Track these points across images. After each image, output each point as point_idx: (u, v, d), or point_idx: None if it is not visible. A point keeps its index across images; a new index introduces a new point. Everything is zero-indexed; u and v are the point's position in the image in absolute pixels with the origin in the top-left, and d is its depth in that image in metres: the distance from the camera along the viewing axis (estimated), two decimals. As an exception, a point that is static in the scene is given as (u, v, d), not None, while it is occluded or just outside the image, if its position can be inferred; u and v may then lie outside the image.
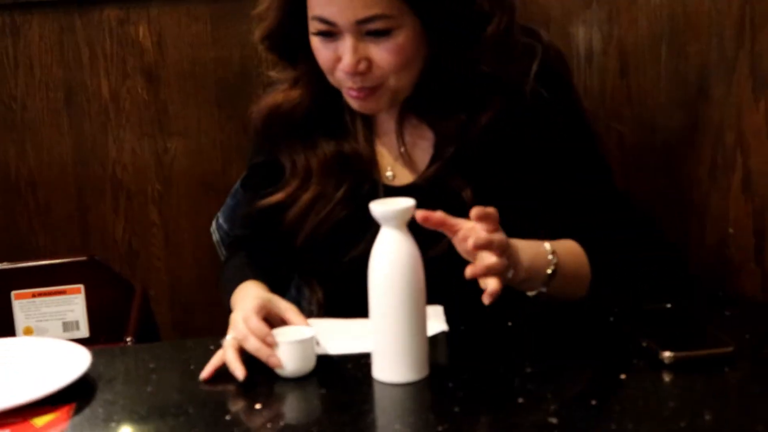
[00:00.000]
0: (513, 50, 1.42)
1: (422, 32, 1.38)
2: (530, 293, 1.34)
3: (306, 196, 1.51)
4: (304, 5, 1.39)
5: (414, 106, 1.47)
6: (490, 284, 1.15)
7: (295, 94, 1.51)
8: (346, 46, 1.35)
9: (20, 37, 2.51)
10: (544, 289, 1.33)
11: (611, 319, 1.31)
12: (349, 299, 1.37)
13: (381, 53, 1.35)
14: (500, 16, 1.40)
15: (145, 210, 2.60)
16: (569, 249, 1.39)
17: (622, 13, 1.82)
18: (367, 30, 1.34)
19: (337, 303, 1.55)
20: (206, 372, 1.24)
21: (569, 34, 2.09)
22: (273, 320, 1.30)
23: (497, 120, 1.43)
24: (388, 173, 1.52)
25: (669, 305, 1.34)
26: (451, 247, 1.36)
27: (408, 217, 1.16)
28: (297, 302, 1.79)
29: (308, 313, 1.64)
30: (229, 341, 1.26)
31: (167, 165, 2.58)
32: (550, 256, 1.32)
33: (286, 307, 1.33)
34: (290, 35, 1.45)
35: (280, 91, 1.54)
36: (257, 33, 1.49)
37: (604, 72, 1.93)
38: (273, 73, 1.58)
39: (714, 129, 1.53)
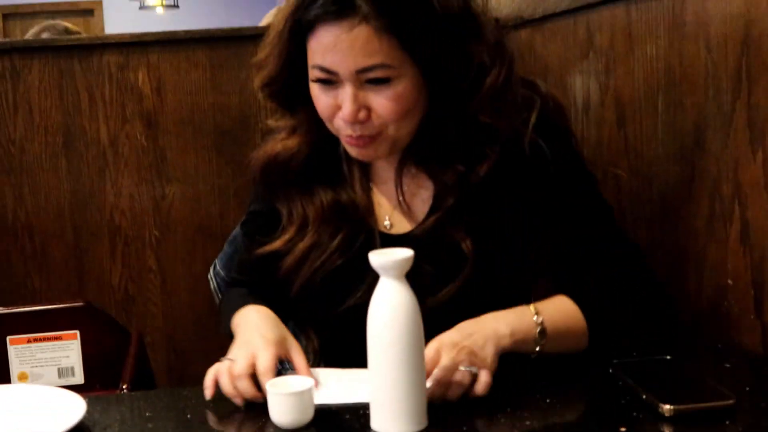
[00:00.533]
0: (512, 102, 1.43)
1: (422, 82, 1.38)
2: (531, 356, 1.35)
3: (302, 245, 1.51)
4: (303, 54, 1.40)
5: (413, 155, 1.47)
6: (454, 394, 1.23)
7: (292, 142, 1.52)
8: (346, 94, 1.35)
9: (20, 81, 2.53)
10: (537, 349, 1.34)
11: (611, 371, 1.30)
12: (345, 348, 1.38)
13: (381, 102, 1.35)
14: (499, 68, 1.40)
15: (143, 255, 2.60)
16: (557, 306, 1.40)
17: (618, 65, 1.84)
18: (368, 78, 1.34)
19: (333, 351, 1.55)
20: (209, 391, 1.31)
21: (566, 84, 2.11)
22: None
23: (496, 171, 1.44)
24: (386, 222, 1.52)
25: (668, 357, 1.34)
26: (450, 298, 1.36)
27: (407, 267, 1.16)
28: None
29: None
30: (225, 367, 1.32)
31: (165, 211, 2.59)
32: (534, 317, 1.34)
33: (295, 350, 1.37)
34: (289, 83, 1.45)
35: (278, 140, 1.54)
36: (257, 81, 1.49)
37: (601, 122, 1.94)
38: (271, 122, 1.58)
39: (711, 180, 1.54)
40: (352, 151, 1.45)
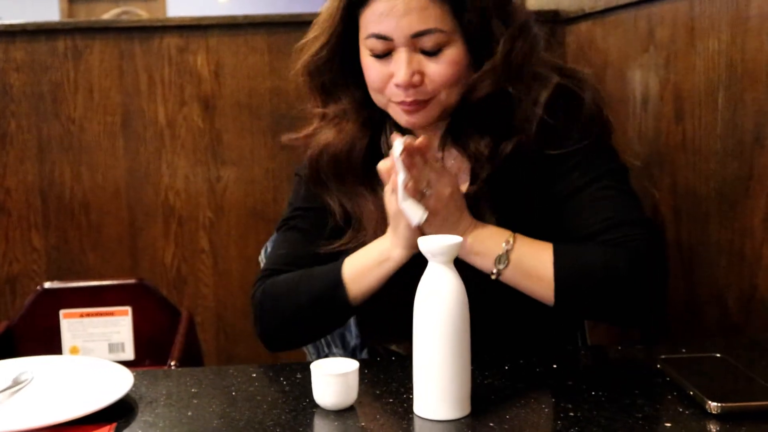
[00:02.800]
0: (528, 79, 1.44)
1: (469, 53, 1.42)
2: (490, 273, 1.36)
3: (367, 241, 1.49)
4: (352, 34, 1.44)
5: (452, 132, 1.49)
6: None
7: (346, 128, 1.52)
8: (400, 59, 1.39)
9: (81, 61, 2.56)
10: (494, 272, 1.36)
11: (658, 365, 1.29)
12: (393, 327, 1.41)
13: (434, 67, 1.39)
14: (521, 46, 1.43)
15: (196, 236, 2.63)
16: (535, 247, 1.38)
17: (679, 59, 1.81)
18: (422, 43, 1.38)
19: (381, 330, 1.58)
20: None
21: (626, 77, 2.09)
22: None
23: (518, 152, 1.44)
24: None
25: (718, 354, 1.32)
26: (496, 285, 1.36)
27: (455, 253, 1.15)
28: (340, 335, 1.82)
29: (353, 341, 1.66)
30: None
31: (219, 193, 2.61)
32: (505, 243, 1.36)
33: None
34: (333, 66, 1.48)
35: (322, 126, 1.55)
36: (299, 64, 1.52)
37: (659, 117, 1.91)
38: (315, 109, 1.57)
39: (769, 178, 1.52)
40: (402, 118, 1.46)
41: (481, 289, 1.37)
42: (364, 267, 1.43)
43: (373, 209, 1.51)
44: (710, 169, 1.71)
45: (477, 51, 1.42)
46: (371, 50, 1.42)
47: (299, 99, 2.56)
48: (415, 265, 1.44)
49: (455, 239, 1.16)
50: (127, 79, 2.59)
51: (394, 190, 1.31)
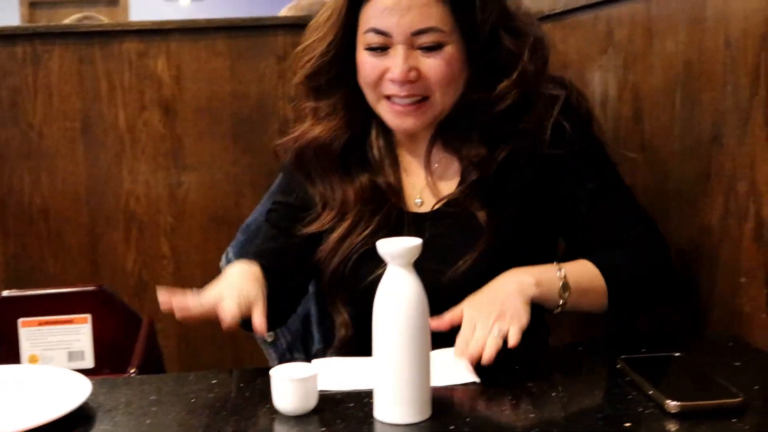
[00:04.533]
0: (537, 95, 1.49)
1: (465, 56, 1.45)
2: (554, 310, 1.43)
3: (344, 225, 1.55)
4: (353, 29, 1.47)
5: (442, 136, 1.53)
6: (487, 353, 1.27)
7: (333, 124, 1.56)
8: (398, 54, 1.42)
9: (41, 67, 2.54)
10: (561, 302, 1.41)
11: (618, 365, 1.29)
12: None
13: (431, 64, 1.42)
14: (530, 61, 1.47)
15: (157, 242, 2.61)
16: (579, 265, 1.46)
17: (637, 60, 1.82)
18: (420, 42, 1.42)
19: (364, 326, 1.57)
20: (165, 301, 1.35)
21: (585, 79, 2.09)
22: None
23: (517, 153, 1.49)
24: (417, 200, 1.57)
25: (677, 353, 1.32)
26: (468, 270, 1.43)
27: (414, 256, 1.15)
28: (307, 332, 1.82)
29: (338, 336, 1.66)
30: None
31: (180, 198, 2.59)
32: (558, 272, 1.42)
33: (258, 306, 1.38)
34: (333, 63, 1.51)
35: (314, 123, 1.58)
36: (305, 67, 1.53)
37: (618, 117, 1.92)
38: (309, 104, 1.59)
39: (727, 177, 1.52)
40: (394, 121, 1.49)
41: (442, 292, 1.38)
42: None
43: (351, 195, 1.55)
44: (669, 168, 1.72)
45: (477, 56, 1.46)
46: (369, 44, 1.45)
47: (260, 103, 2.56)
48: (376, 270, 1.45)
49: (414, 241, 1.15)
50: (87, 84, 2.56)
51: None
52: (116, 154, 2.57)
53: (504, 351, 1.30)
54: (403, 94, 1.45)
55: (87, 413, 1.23)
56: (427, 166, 1.55)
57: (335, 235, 1.55)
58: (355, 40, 1.49)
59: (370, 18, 1.43)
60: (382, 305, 1.15)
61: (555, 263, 1.44)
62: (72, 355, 2.05)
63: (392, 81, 1.43)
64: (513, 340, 1.29)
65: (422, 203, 1.57)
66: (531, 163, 1.50)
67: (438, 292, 1.26)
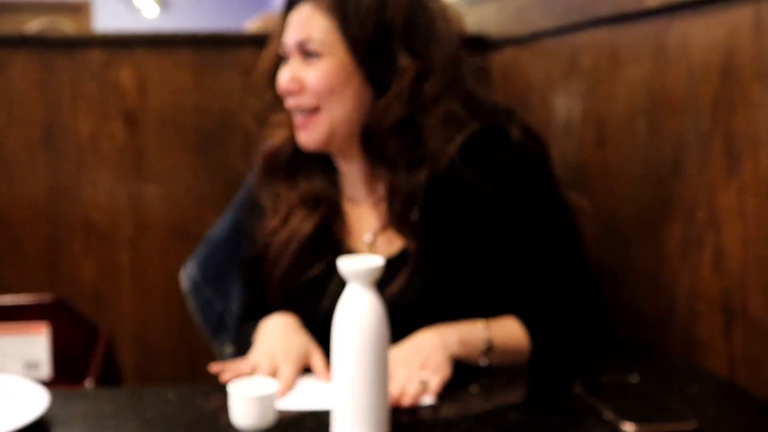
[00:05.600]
0: (441, 116, 1.48)
1: (353, 70, 1.47)
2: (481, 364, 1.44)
3: (284, 232, 1.58)
4: None
5: (370, 156, 1.53)
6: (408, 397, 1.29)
7: (283, 134, 1.60)
8: (287, 66, 1.51)
9: (2, 74, 2.51)
10: (485, 360, 1.43)
11: (574, 389, 1.30)
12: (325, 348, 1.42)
13: (310, 74, 1.47)
14: (434, 83, 1.47)
15: (116, 253, 2.58)
16: (505, 325, 1.48)
17: (601, 86, 1.84)
18: (304, 51, 1.48)
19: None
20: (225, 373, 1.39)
21: (549, 103, 2.12)
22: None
23: (440, 183, 1.48)
24: (365, 239, 1.57)
25: (634, 379, 1.34)
26: (397, 297, 1.42)
27: (376, 276, 1.15)
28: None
29: None
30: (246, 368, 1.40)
31: (141, 209, 2.57)
32: (482, 332, 1.44)
33: (315, 356, 1.45)
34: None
35: (274, 132, 1.63)
36: (261, 79, 1.60)
37: (581, 142, 1.94)
38: (273, 117, 1.64)
39: (686, 205, 1.55)
40: (298, 136, 1.53)
41: (404, 312, 1.38)
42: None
43: (294, 197, 1.58)
44: (629, 194, 1.74)
45: (373, 72, 1.47)
46: (279, 56, 1.54)
47: (224, 117, 2.55)
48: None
49: (375, 261, 1.15)
50: (50, 92, 2.54)
51: None
52: (78, 163, 2.55)
53: (461, 372, 1.31)
54: (291, 104, 1.51)
55: (42, 425, 1.22)
56: (368, 189, 1.56)
57: (278, 240, 1.58)
58: None
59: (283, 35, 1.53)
60: (342, 324, 1.15)
61: (483, 321, 1.45)
62: (28, 365, 2.02)
63: (281, 91, 1.51)
64: (433, 390, 1.32)
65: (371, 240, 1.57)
66: (461, 194, 1.48)
67: None
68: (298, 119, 1.51)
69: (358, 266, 1.15)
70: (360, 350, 1.14)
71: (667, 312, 1.62)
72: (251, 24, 3.49)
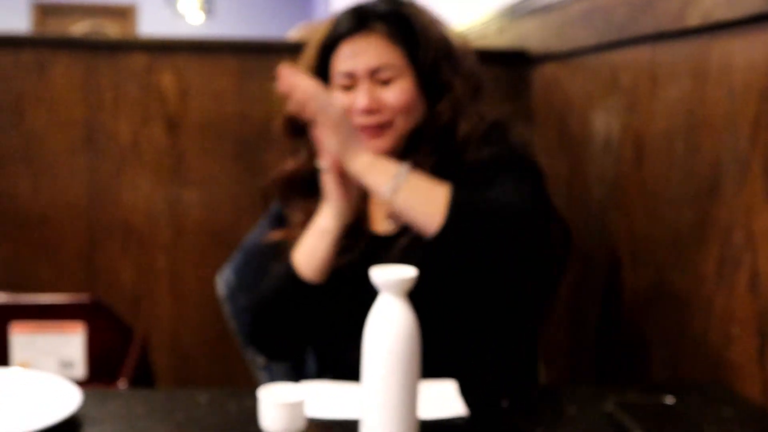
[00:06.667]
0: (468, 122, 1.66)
1: (419, 90, 1.66)
2: (383, 196, 1.51)
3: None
4: (325, 75, 1.68)
5: (406, 152, 1.66)
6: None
7: (301, 159, 1.73)
8: (362, 89, 1.64)
9: (45, 75, 2.55)
10: (398, 179, 1.50)
11: (609, 411, 1.30)
12: (344, 359, 1.45)
13: (389, 94, 1.64)
14: (462, 93, 1.67)
15: (154, 256, 2.61)
16: (425, 179, 1.53)
17: (640, 104, 1.84)
18: (378, 78, 1.64)
19: (335, 362, 1.64)
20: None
21: (588, 120, 2.11)
22: None
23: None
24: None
25: (669, 401, 1.33)
26: (453, 320, 1.38)
27: (409, 286, 1.16)
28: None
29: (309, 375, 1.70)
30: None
31: (180, 213, 2.60)
32: (403, 167, 1.52)
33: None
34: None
35: (290, 160, 1.77)
36: (283, 118, 1.73)
37: (619, 161, 1.94)
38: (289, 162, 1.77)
39: (723, 226, 1.53)
40: (369, 145, 1.61)
41: (437, 323, 1.39)
42: (307, 245, 1.60)
43: (314, 205, 1.67)
44: (666, 214, 1.73)
45: (429, 88, 1.67)
46: (341, 85, 1.66)
47: (265, 124, 2.57)
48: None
49: (409, 272, 1.16)
50: (92, 95, 2.57)
51: (329, 169, 1.55)
52: (118, 165, 2.58)
53: (494, 386, 1.30)
54: (372, 123, 1.63)
55: (74, 423, 1.23)
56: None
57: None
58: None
59: (339, 64, 1.66)
60: (373, 332, 1.15)
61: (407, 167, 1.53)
62: (63, 364, 2.05)
63: (360, 111, 1.62)
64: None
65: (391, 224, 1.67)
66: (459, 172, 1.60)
67: None
68: (368, 132, 1.63)
69: (389, 276, 1.15)
70: (390, 360, 1.14)
71: (701, 334, 1.61)
72: (294, 32, 3.51)
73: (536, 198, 1.56)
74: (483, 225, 1.47)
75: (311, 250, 1.59)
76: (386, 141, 1.64)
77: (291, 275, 1.59)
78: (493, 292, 1.58)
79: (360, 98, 1.63)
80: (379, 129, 1.64)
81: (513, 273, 1.53)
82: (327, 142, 1.52)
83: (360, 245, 1.64)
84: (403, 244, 1.59)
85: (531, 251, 1.51)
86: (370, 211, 1.71)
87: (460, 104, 1.67)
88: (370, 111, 1.63)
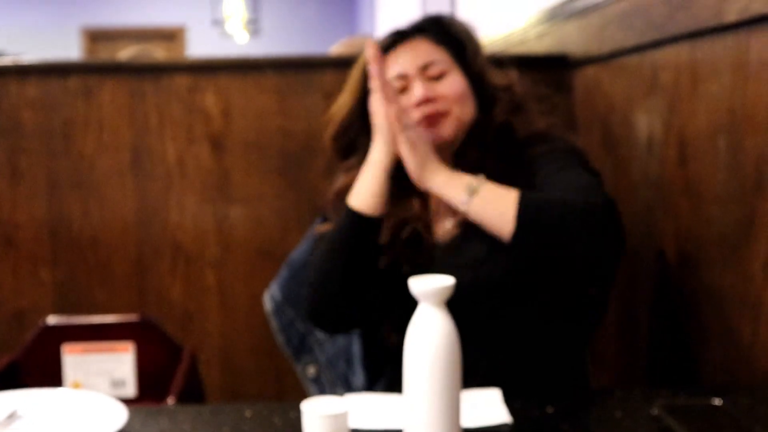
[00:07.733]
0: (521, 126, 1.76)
1: (467, 83, 1.74)
2: (460, 207, 1.56)
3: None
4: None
5: (462, 162, 1.70)
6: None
7: (355, 172, 1.71)
8: (416, 84, 1.70)
9: (92, 99, 2.59)
10: (473, 187, 1.55)
11: (655, 411, 1.28)
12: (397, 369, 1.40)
13: (442, 87, 1.72)
14: (504, 103, 1.76)
15: (203, 274, 2.63)
16: (497, 186, 1.57)
17: (682, 103, 1.82)
18: (428, 74, 1.72)
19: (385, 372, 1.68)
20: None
21: (631, 121, 2.09)
22: None
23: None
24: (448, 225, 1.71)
25: (717, 402, 1.31)
26: (494, 326, 1.37)
27: (447, 295, 1.15)
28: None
29: (357, 382, 1.73)
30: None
31: (227, 231, 2.62)
32: (475, 179, 1.57)
33: None
34: (355, 124, 1.78)
35: (342, 175, 1.79)
36: (331, 131, 1.81)
37: (663, 161, 1.92)
38: (341, 177, 1.81)
39: (770, 224, 1.51)
40: (431, 133, 1.69)
41: (478, 330, 1.38)
42: (361, 181, 1.65)
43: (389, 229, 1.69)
44: (712, 213, 1.71)
45: (476, 88, 1.75)
46: (395, 92, 1.67)
47: (307, 139, 2.59)
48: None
49: (447, 281, 1.15)
50: (137, 117, 2.61)
51: (379, 92, 1.61)
52: (165, 186, 2.61)
53: (539, 390, 1.29)
54: (428, 111, 1.68)
55: (122, 441, 1.25)
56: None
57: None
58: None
59: (390, 69, 1.72)
60: (412, 344, 1.15)
61: (475, 179, 1.57)
62: (114, 383, 2.07)
63: (416, 102, 1.68)
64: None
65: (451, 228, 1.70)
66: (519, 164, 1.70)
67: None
68: (426, 121, 1.69)
69: (428, 286, 1.15)
70: (432, 371, 1.14)
71: (751, 334, 1.58)
72: (336, 48, 3.53)
73: (599, 192, 1.58)
74: (553, 222, 1.49)
75: (365, 184, 1.63)
76: (446, 128, 1.70)
77: (348, 213, 1.63)
78: (563, 293, 1.61)
79: (416, 90, 1.69)
80: (438, 117, 1.69)
81: (583, 271, 1.54)
82: (406, 161, 1.60)
83: (424, 255, 1.67)
84: (470, 251, 1.62)
85: (601, 247, 1.50)
86: (432, 221, 1.73)
87: (514, 105, 1.76)
88: (426, 100, 1.68)
